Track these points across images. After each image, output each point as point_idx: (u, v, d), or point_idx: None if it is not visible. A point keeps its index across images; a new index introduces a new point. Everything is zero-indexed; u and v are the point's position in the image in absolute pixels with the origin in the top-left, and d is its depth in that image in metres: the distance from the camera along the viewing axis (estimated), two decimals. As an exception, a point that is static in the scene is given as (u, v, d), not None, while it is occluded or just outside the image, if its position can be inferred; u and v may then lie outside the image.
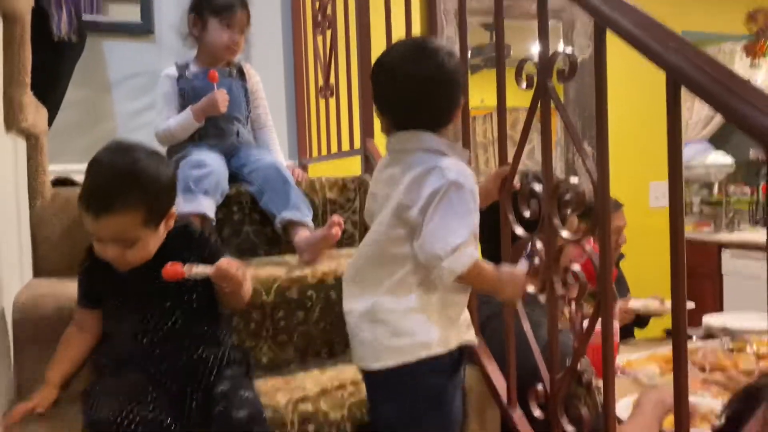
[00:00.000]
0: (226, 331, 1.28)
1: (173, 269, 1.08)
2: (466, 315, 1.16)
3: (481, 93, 3.21)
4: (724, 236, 4.60)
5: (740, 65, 5.01)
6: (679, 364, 0.87)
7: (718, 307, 4.16)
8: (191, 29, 1.87)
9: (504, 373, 1.30)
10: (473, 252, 1.03)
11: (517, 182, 1.22)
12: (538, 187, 1.13)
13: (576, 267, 1.05)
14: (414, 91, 1.09)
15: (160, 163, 1.17)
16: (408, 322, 1.07)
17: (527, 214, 1.17)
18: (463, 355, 1.15)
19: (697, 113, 5.24)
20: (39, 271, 1.55)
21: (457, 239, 1.01)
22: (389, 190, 1.10)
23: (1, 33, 1.28)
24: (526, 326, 1.20)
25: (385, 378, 1.09)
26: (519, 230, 1.20)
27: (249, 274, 1.22)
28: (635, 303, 2.30)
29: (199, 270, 1.11)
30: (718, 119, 5.26)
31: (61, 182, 1.81)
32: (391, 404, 1.10)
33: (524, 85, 1.15)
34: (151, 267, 1.16)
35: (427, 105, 1.10)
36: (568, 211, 1.07)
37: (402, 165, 1.09)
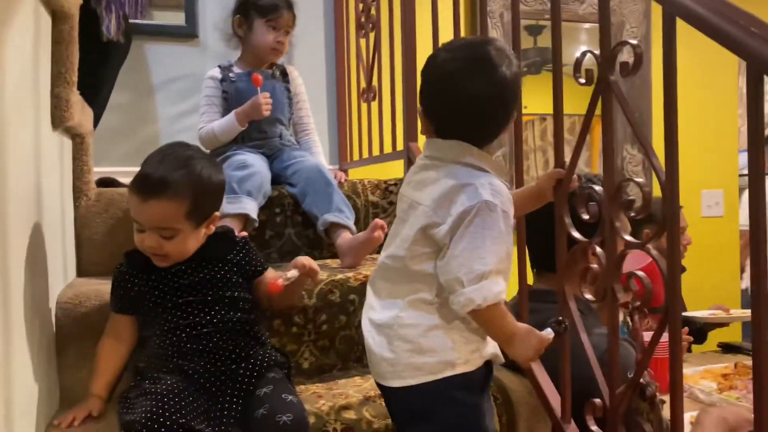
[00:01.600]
0: (266, 332, 1.27)
1: (274, 283, 1.16)
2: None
3: (524, 99, 3.14)
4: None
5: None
6: (760, 381, 0.79)
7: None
8: (236, 30, 1.87)
9: (557, 385, 1.23)
10: (500, 290, 0.97)
11: (575, 183, 1.15)
12: (598, 188, 1.07)
13: (640, 272, 0.98)
14: (466, 106, 1.02)
15: (213, 166, 1.21)
16: (430, 340, 1.01)
17: (586, 216, 1.10)
18: (491, 368, 1.10)
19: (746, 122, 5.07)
20: (82, 271, 1.54)
21: (482, 267, 0.95)
22: (416, 193, 1.05)
23: (50, 30, 1.28)
24: (584, 337, 1.13)
25: (408, 397, 1.03)
26: (576, 234, 1.13)
27: None
28: (701, 314, 2.24)
29: (290, 274, 1.17)
30: (770, 127, 5.08)
31: (105, 183, 1.82)
32: (422, 426, 1.03)
33: (583, 80, 1.09)
34: (192, 265, 1.16)
35: (478, 121, 1.04)
36: (632, 213, 1.00)
37: (436, 172, 1.03)
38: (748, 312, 2.39)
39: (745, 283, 3.40)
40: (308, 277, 1.20)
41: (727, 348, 2.37)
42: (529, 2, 3.01)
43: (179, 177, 1.12)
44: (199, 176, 1.15)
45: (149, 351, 1.15)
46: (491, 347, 1.07)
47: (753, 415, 0.82)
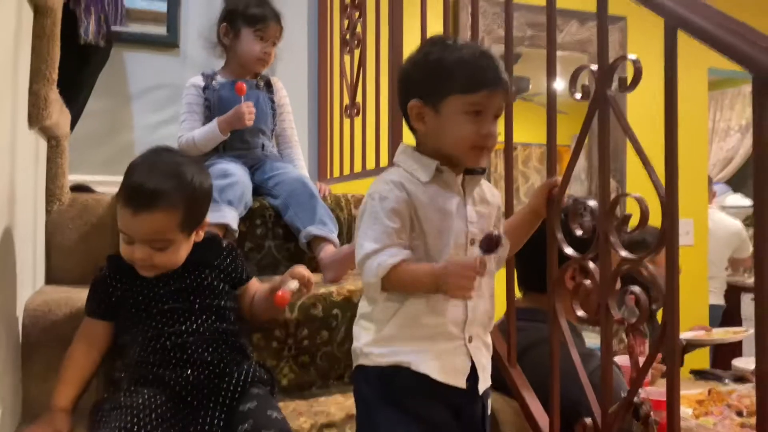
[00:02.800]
0: (250, 346, 1.22)
1: (283, 296, 1.10)
2: (445, 349, 1.00)
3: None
4: (743, 279, 4.52)
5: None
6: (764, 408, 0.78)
7: (737, 351, 4.05)
8: (222, 38, 1.84)
9: (544, 405, 1.21)
10: (380, 262, 0.94)
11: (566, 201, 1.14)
12: (592, 203, 1.06)
13: (636, 287, 0.97)
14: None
15: (202, 171, 1.17)
16: (356, 327, 1.06)
17: (579, 232, 1.09)
18: (399, 379, 0.98)
19: (715, 155, 5.20)
20: (51, 278, 1.47)
21: (361, 251, 0.97)
22: None
23: (32, 25, 1.24)
24: (574, 353, 1.12)
25: None
26: (568, 249, 1.12)
27: None
28: (685, 335, 2.26)
29: (292, 286, 1.13)
30: (737, 161, 5.22)
31: (78, 189, 1.75)
32: None
33: (579, 95, 1.08)
34: (178, 270, 1.12)
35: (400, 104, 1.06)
36: (627, 227, 0.99)
37: None
38: (729, 334, 2.41)
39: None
40: (305, 288, 1.17)
41: (699, 374, 2.40)
42: (508, 28, 3.05)
43: (171, 187, 1.07)
44: (191, 184, 1.10)
45: (128, 360, 1.09)
46: (402, 356, 0.98)
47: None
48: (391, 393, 0.99)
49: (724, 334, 2.39)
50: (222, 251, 1.20)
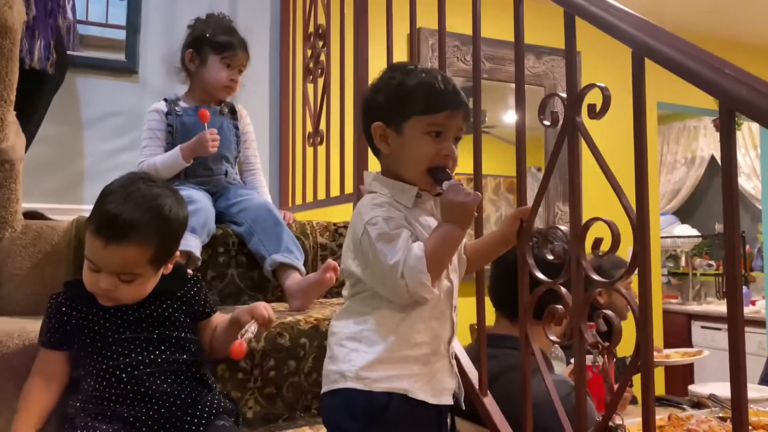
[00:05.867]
0: (213, 377, 1.17)
1: (239, 350, 1.02)
2: (437, 369, 1.02)
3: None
4: (693, 308, 4.65)
5: (703, 142, 5.21)
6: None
7: (689, 377, 4.15)
8: (187, 64, 1.82)
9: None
10: (413, 254, 0.94)
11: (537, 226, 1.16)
12: (564, 228, 1.07)
13: (609, 311, 0.97)
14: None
15: (179, 201, 1.12)
16: (341, 349, 1.00)
17: (550, 256, 1.10)
18: (391, 408, 0.96)
19: (663, 186, 5.39)
20: (2, 309, 1.39)
21: (397, 262, 0.94)
22: None
23: (-11, 44, 1.20)
24: (548, 379, 1.11)
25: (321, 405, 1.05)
26: (539, 275, 1.12)
27: None
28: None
29: (251, 329, 1.08)
30: (684, 193, 5.42)
31: (32, 216, 1.68)
32: None
33: (548, 122, 1.10)
34: (138, 302, 1.07)
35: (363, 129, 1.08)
36: (599, 251, 1.00)
37: None
38: (686, 357, 2.46)
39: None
40: (264, 328, 1.14)
41: (657, 400, 2.44)
42: (468, 60, 3.11)
43: (147, 221, 1.03)
44: (167, 218, 1.06)
45: (82, 394, 1.03)
46: (398, 381, 0.97)
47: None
48: (378, 426, 0.96)
49: (682, 357, 2.45)
50: (187, 282, 1.16)
